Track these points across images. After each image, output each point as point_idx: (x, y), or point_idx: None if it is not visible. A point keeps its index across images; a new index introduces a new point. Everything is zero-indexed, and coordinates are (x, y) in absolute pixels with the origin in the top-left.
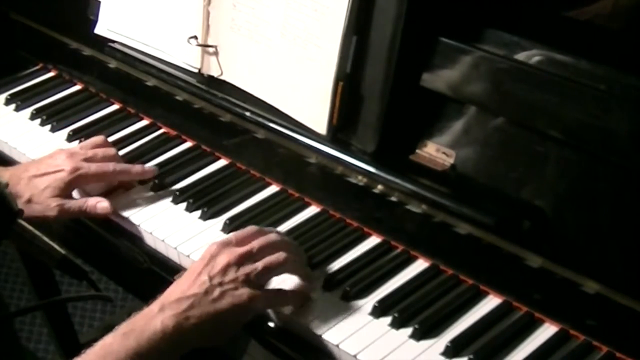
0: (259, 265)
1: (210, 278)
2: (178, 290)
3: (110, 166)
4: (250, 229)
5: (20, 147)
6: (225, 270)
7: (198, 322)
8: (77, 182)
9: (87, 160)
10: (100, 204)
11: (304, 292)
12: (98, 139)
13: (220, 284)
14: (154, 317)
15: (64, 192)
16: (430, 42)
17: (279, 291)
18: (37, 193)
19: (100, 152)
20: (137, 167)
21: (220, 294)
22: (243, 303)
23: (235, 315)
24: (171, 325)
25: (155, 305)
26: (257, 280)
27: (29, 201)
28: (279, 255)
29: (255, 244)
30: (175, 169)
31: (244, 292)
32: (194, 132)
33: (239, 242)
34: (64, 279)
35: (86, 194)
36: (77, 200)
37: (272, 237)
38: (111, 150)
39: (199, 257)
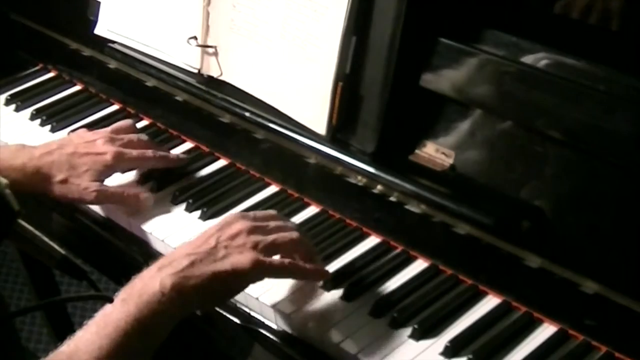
0: (269, 237)
1: (218, 242)
2: (181, 251)
3: (150, 152)
4: (270, 212)
5: None
6: (235, 236)
7: (198, 282)
8: (118, 166)
9: (125, 145)
10: (143, 195)
11: (308, 268)
12: (127, 122)
13: (226, 247)
14: (152, 278)
15: (104, 175)
16: (430, 42)
17: (283, 262)
18: (75, 174)
19: (135, 137)
20: (172, 155)
21: (223, 255)
22: (244, 266)
23: (236, 278)
24: (169, 284)
25: (154, 266)
26: (264, 251)
27: (65, 181)
28: (292, 234)
29: (272, 222)
30: (175, 169)
31: (248, 256)
32: (194, 132)
33: (257, 218)
34: (64, 279)
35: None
36: (116, 188)
37: (289, 223)
38: (143, 136)
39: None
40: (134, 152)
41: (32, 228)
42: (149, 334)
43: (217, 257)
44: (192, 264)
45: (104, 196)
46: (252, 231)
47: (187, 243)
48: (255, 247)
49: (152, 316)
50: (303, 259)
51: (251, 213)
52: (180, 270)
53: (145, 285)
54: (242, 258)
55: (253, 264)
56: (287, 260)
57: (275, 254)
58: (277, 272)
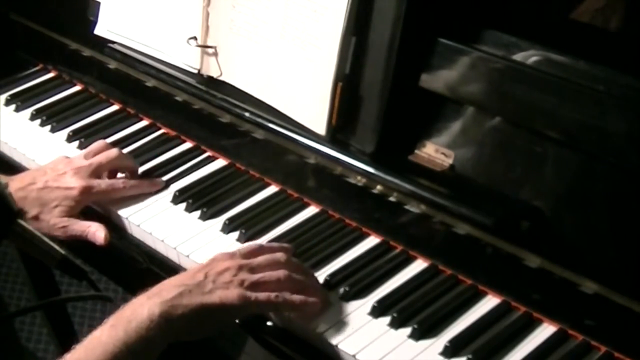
0: (255, 276)
1: (206, 276)
2: (170, 282)
3: (120, 183)
4: (257, 244)
5: (20, 147)
6: (222, 272)
7: (185, 312)
8: (87, 200)
9: (94, 173)
10: (98, 233)
11: (296, 301)
12: (100, 144)
13: (214, 281)
14: (141, 305)
15: (74, 210)
16: (429, 43)
17: (269, 296)
18: (45, 210)
19: (104, 157)
20: (145, 182)
21: (211, 289)
22: (232, 301)
23: (223, 311)
24: (157, 312)
25: (143, 295)
26: (250, 288)
27: (36, 218)
28: (278, 273)
29: (259, 259)
30: (175, 169)
31: (234, 291)
32: (194, 132)
33: (244, 256)
34: (64, 279)
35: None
36: (81, 224)
37: (277, 255)
38: (112, 153)
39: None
40: (103, 184)
41: (32, 228)
42: (137, 359)
43: (205, 290)
44: (180, 294)
45: (70, 231)
46: (239, 269)
47: (174, 276)
48: (241, 284)
49: (139, 342)
50: (291, 293)
51: (237, 251)
52: (169, 299)
53: (135, 312)
54: (229, 293)
55: (240, 299)
56: (273, 295)
57: (262, 291)
58: (264, 306)
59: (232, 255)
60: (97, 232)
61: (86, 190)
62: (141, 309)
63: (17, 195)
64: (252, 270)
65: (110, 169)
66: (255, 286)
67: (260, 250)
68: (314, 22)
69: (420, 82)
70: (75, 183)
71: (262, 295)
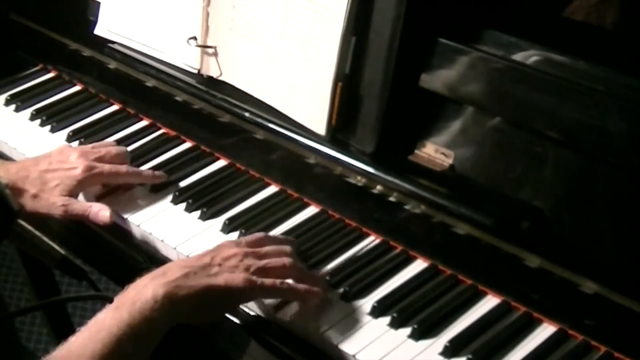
0: (261, 262)
1: (212, 259)
2: (175, 264)
3: (123, 167)
4: (262, 233)
5: (20, 147)
6: (229, 258)
7: (190, 293)
8: (89, 181)
9: (99, 159)
10: (102, 212)
11: (300, 289)
12: (109, 141)
13: (220, 265)
14: (145, 286)
15: (75, 190)
16: (429, 43)
17: (274, 282)
18: (46, 189)
19: (114, 150)
20: (148, 172)
21: (217, 272)
22: (237, 285)
23: (228, 294)
24: (162, 293)
25: (147, 276)
26: (256, 274)
27: (36, 196)
28: (283, 259)
29: (265, 248)
30: (174, 169)
31: (240, 275)
32: (194, 132)
33: (250, 244)
34: (64, 279)
35: (87, 193)
36: (82, 204)
37: (283, 246)
38: (122, 148)
39: None
40: (106, 167)
41: (32, 228)
42: (141, 340)
43: (211, 272)
44: (185, 275)
45: (71, 210)
46: (245, 255)
47: (180, 259)
48: (247, 269)
49: (144, 323)
50: (296, 282)
51: (243, 240)
52: (174, 280)
53: (139, 293)
54: (235, 277)
55: (245, 283)
56: (278, 281)
57: (267, 277)
58: (269, 292)
59: (238, 243)
60: (100, 211)
61: (88, 169)
62: (145, 290)
63: (18, 175)
64: (259, 257)
65: (117, 163)
66: (261, 272)
67: (265, 239)
68: (314, 22)
69: (420, 82)
70: (78, 163)
71: (267, 281)
